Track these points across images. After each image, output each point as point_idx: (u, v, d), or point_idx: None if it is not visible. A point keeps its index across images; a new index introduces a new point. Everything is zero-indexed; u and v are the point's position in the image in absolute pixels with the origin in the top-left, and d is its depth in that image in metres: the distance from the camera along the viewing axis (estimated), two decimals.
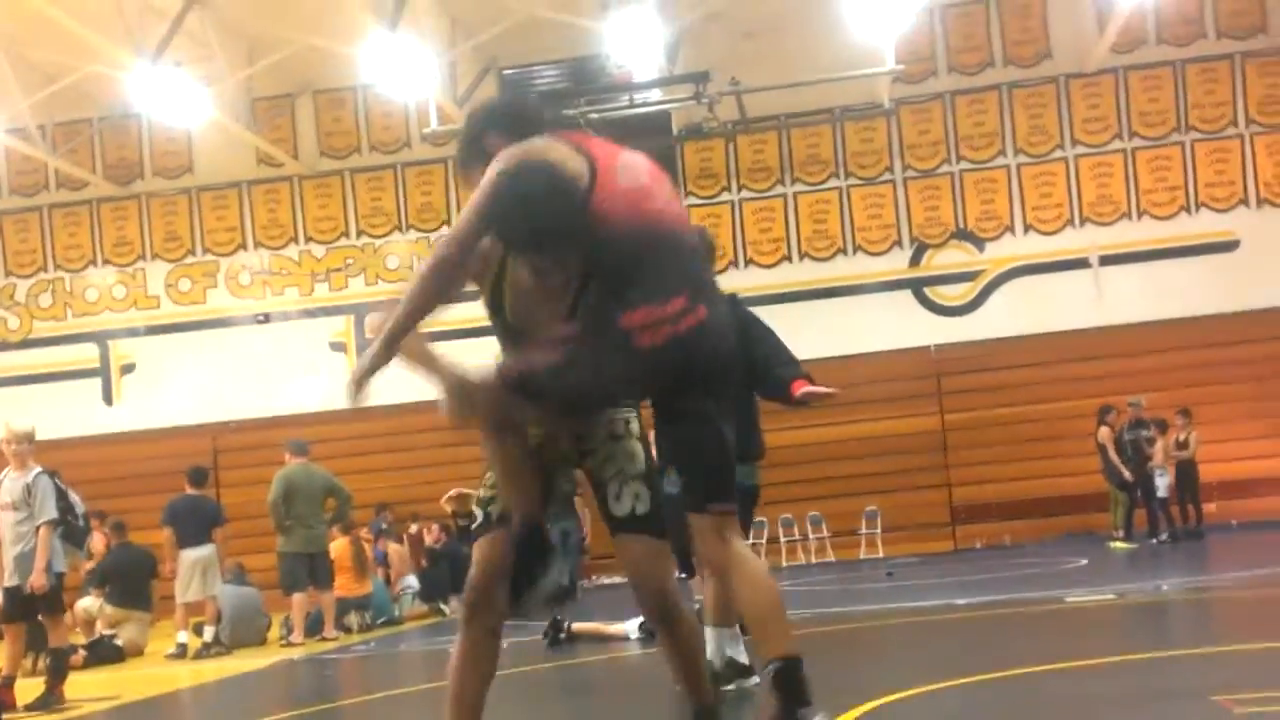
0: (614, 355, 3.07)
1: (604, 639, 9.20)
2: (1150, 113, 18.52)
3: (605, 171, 3.17)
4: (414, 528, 16.40)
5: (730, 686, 5.70)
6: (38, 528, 8.04)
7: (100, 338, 20.13)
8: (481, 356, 3.68)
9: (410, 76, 16.68)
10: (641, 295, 3.04)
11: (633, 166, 3.24)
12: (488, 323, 3.76)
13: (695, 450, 3.26)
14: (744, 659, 5.76)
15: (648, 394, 3.29)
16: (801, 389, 5.54)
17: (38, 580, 7.97)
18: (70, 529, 8.66)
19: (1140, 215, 18.41)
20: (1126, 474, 15.66)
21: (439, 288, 3.25)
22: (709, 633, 5.59)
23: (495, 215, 3.13)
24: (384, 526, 16.00)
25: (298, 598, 12.11)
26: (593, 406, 3.30)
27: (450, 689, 3.57)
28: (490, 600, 3.47)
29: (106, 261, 20.25)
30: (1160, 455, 15.63)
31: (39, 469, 8.36)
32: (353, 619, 12.93)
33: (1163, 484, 15.57)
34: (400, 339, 3.33)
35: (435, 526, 16.24)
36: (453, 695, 3.58)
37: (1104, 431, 15.87)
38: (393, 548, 14.79)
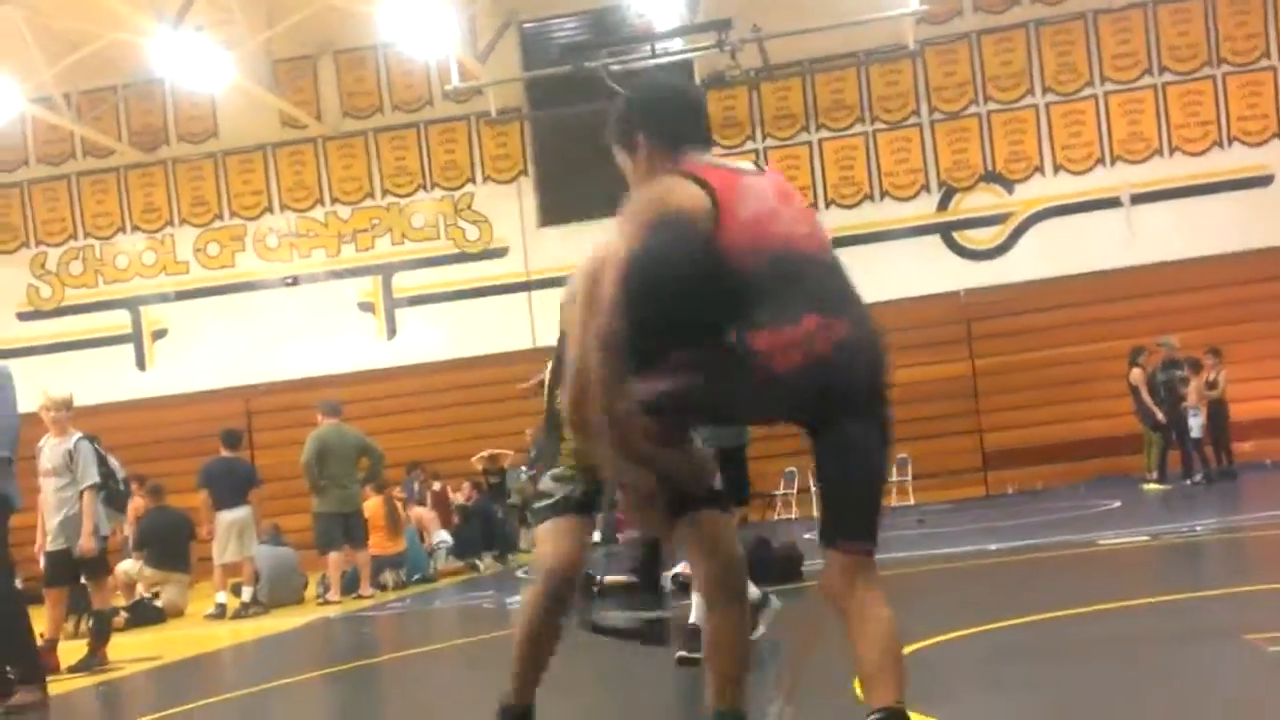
0: (746, 379, 2.98)
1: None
2: (1180, 46, 18.18)
3: (726, 205, 3.06)
4: (437, 485, 16.53)
5: None
6: (81, 492, 8.15)
7: (132, 304, 20.27)
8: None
9: (430, 33, 16.57)
10: (768, 319, 2.95)
11: (756, 191, 3.13)
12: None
13: (834, 481, 3.08)
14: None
15: (790, 417, 3.14)
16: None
17: (87, 544, 8.09)
18: (112, 493, 8.79)
19: (1172, 152, 18.13)
20: (1160, 415, 15.53)
21: (617, 360, 3.00)
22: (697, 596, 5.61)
23: (639, 296, 2.96)
24: (416, 486, 16.11)
25: (333, 557, 12.22)
26: (733, 425, 3.22)
27: (523, 650, 3.65)
28: (568, 594, 3.59)
29: (135, 228, 20.35)
30: (1194, 395, 15.48)
31: (79, 435, 8.45)
32: (388, 577, 13.05)
33: (1196, 424, 15.43)
34: (635, 437, 3.03)
35: (467, 484, 16.35)
36: (527, 655, 3.67)
37: (1136, 373, 15.72)
38: (416, 510, 14.85)
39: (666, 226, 2.98)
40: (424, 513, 14.86)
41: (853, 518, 3.03)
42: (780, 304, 2.95)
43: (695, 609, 5.50)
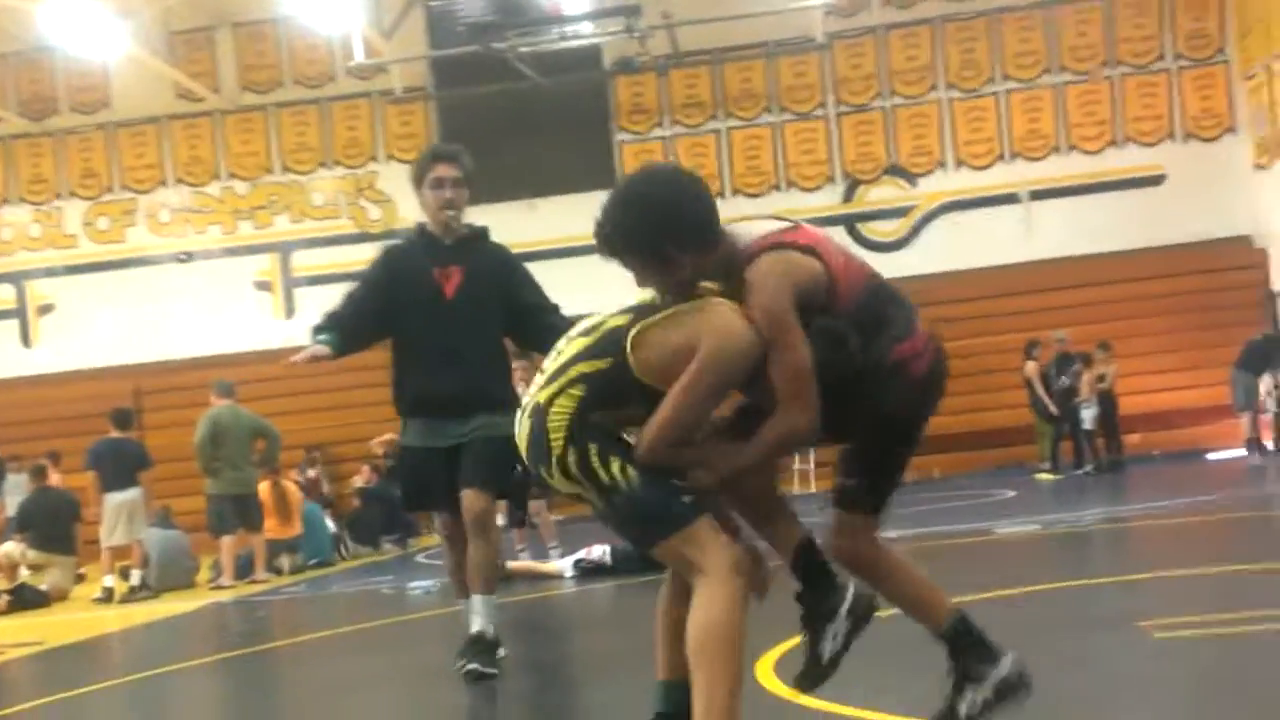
0: (894, 385, 3.24)
1: (539, 578, 9.19)
2: (1079, 47, 18.60)
3: (828, 260, 3.19)
4: (312, 472, 16.32)
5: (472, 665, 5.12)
6: None
7: (16, 278, 19.59)
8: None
9: (333, 8, 16.26)
10: (897, 334, 3.25)
11: (821, 238, 3.29)
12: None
13: (897, 464, 3.42)
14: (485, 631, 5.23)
15: (925, 419, 3.42)
16: None
17: None
18: None
19: (1069, 150, 18.55)
20: (1053, 408, 15.91)
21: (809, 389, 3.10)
22: (477, 601, 5.21)
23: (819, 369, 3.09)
24: (310, 469, 15.85)
25: (226, 540, 11.97)
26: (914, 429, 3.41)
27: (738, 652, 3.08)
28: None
29: (21, 199, 19.66)
30: (1085, 388, 15.88)
31: None
32: (283, 561, 12.81)
33: (1089, 416, 15.84)
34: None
35: (366, 468, 16.11)
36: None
37: (1030, 366, 16.10)
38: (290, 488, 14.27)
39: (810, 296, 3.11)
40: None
41: (891, 493, 3.38)
42: (895, 321, 3.25)
43: (476, 618, 5.17)
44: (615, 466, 3.03)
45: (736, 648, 2.96)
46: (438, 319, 5.35)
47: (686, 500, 3.05)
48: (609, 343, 3.08)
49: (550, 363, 3.15)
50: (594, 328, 3.15)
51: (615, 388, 3.05)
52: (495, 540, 5.39)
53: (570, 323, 3.55)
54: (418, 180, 5.52)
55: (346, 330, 5.29)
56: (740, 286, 3.09)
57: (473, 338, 5.38)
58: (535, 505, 10.12)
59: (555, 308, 5.66)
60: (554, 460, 3.03)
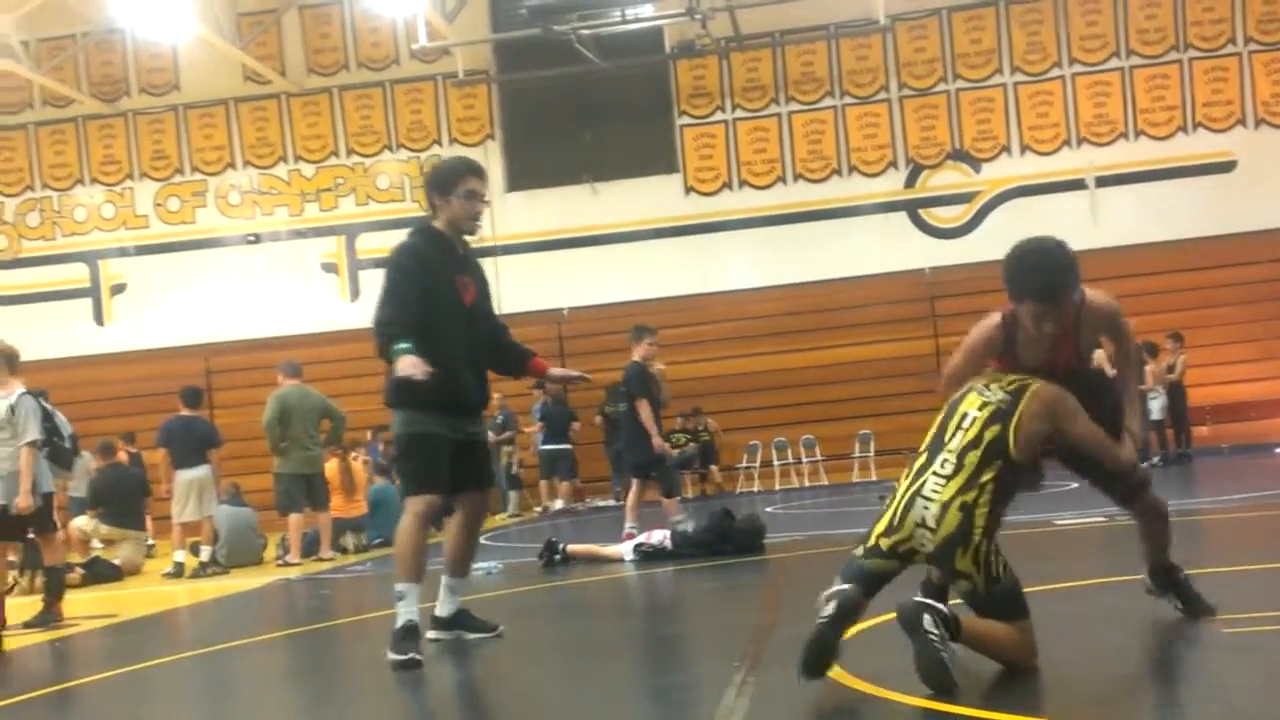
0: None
1: (599, 561, 9.26)
2: (1148, 30, 18.29)
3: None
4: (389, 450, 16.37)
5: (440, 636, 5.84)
6: (21, 448, 7.95)
7: (90, 257, 20.00)
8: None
9: None
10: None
11: None
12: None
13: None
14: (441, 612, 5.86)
15: None
16: (549, 369, 6.10)
17: (24, 501, 7.90)
18: (56, 450, 8.57)
19: (1137, 135, 18.27)
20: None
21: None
22: (457, 583, 5.91)
23: None
24: (381, 447, 15.99)
25: (294, 518, 12.15)
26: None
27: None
28: None
29: (94, 180, 20.06)
30: (1152, 379, 15.66)
31: (22, 389, 8.17)
32: (348, 540, 12.98)
33: (1156, 407, 15.62)
34: None
35: None
36: None
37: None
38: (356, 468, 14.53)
39: None
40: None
41: None
42: None
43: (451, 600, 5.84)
44: (1001, 564, 4.05)
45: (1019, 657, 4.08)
46: (460, 325, 5.65)
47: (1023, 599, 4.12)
48: (996, 451, 4.11)
49: (951, 459, 4.14)
50: (977, 441, 4.13)
51: (1008, 488, 4.13)
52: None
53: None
54: (447, 187, 5.67)
55: (413, 334, 5.46)
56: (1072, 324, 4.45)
57: (482, 346, 5.78)
58: (634, 485, 10.26)
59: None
60: (971, 547, 3.99)
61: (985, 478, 4.05)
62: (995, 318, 4.51)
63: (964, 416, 4.20)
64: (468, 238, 5.83)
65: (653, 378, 10.32)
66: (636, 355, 10.32)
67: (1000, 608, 4.01)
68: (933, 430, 4.32)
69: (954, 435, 4.18)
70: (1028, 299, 4.29)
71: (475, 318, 5.71)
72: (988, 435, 4.11)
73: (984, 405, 4.19)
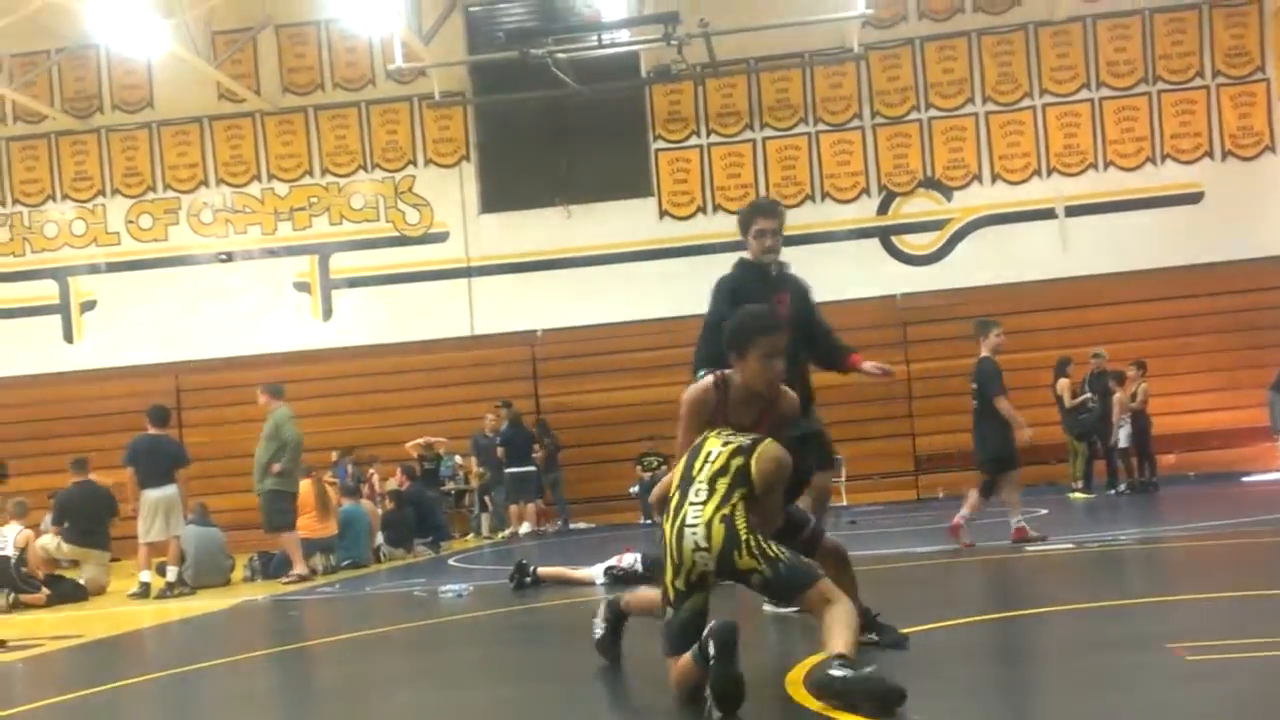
0: None
1: (570, 584, 9.25)
2: (1118, 63, 18.54)
3: None
4: (374, 475, 16.40)
5: None
6: None
7: (60, 274, 19.87)
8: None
9: (374, 12, 16.41)
10: None
11: None
12: None
13: None
14: None
15: None
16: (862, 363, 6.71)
17: None
18: None
19: (1106, 166, 18.49)
20: (1069, 423, 15.78)
21: None
22: None
23: None
24: (349, 469, 15.94)
25: (291, 536, 12.13)
26: None
27: None
28: None
29: (65, 196, 19.96)
30: (1118, 407, 15.78)
31: None
32: (318, 560, 12.90)
33: (1122, 435, 15.74)
34: None
35: (400, 471, 16.21)
36: None
37: (1062, 383, 15.99)
38: (365, 502, 14.62)
39: None
40: (368, 505, 14.56)
41: None
42: None
43: None
44: (774, 546, 4.41)
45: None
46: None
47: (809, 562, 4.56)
48: (741, 479, 4.47)
49: (703, 487, 4.47)
50: (725, 469, 4.49)
51: (758, 505, 4.50)
52: None
53: None
54: (742, 229, 6.69)
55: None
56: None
57: (804, 346, 6.64)
58: (1004, 479, 10.55)
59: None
60: (744, 546, 4.33)
61: (735, 498, 4.43)
62: (707, 381, 4.82)
63: (709, 454, 4.55)
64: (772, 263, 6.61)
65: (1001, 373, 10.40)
66: (985, 350, 10.35)
67: (794, 579, 4.35)
68: (679, 473, 4.60)
69: (702, 468, 4.53)
70: (757, 335, 4.69)
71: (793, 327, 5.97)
72: (734, 464, 4.50)
73: (726, 443, 4.56)
